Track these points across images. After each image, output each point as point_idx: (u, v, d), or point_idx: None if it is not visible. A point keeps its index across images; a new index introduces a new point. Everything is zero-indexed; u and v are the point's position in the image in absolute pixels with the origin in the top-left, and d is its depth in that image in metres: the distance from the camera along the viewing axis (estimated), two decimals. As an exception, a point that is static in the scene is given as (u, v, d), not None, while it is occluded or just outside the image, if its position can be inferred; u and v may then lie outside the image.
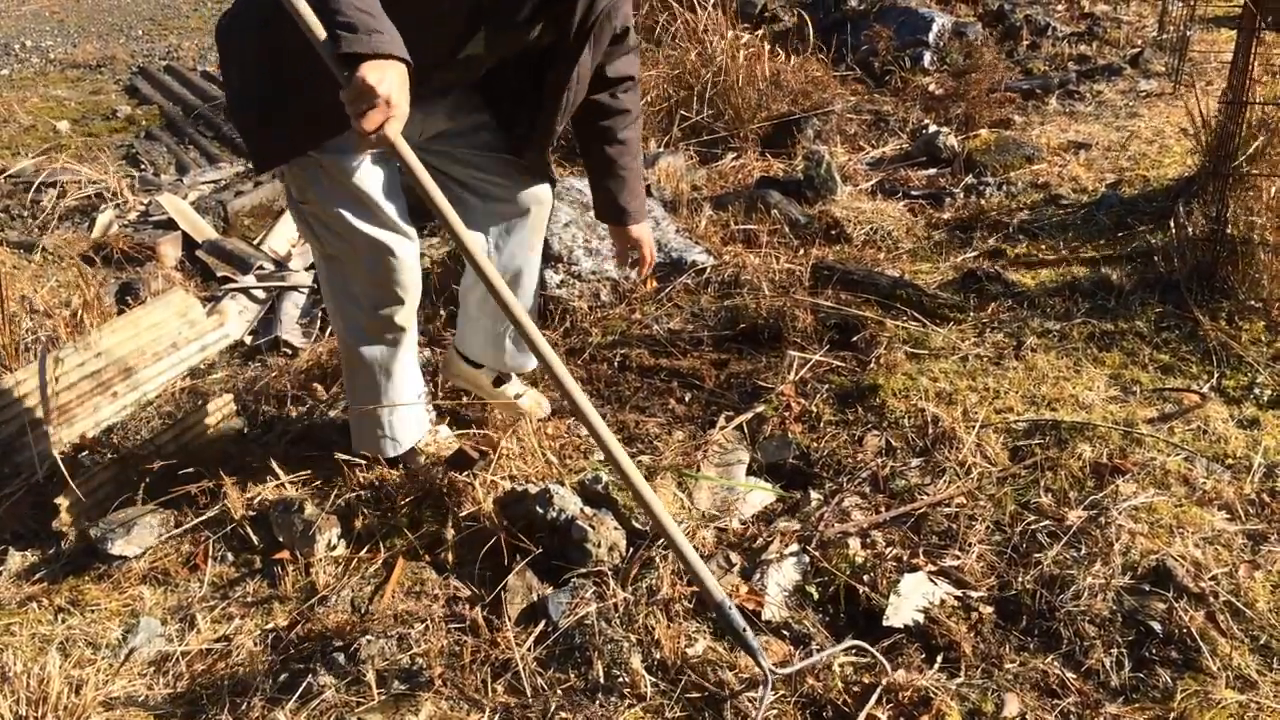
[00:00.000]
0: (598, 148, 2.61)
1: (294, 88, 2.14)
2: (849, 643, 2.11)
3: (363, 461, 2.69)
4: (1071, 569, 2.23)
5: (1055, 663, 2.08)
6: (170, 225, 4.55)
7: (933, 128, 4.96)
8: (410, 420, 2.65)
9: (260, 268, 4.24)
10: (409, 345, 2.57)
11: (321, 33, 1.88)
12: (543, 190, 2.65)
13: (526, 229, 2.65)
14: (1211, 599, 2.15)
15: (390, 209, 2.34)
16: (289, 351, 3.61)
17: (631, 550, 2.36)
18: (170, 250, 4.39)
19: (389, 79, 1.83)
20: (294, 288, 4.06)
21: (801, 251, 3.78)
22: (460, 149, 2.52)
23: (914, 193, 4.41)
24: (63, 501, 2.71)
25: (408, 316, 2.49)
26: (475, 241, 2.00)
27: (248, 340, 3.75)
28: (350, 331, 2.51)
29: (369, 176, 2.30)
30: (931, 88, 5.66)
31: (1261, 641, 2.08)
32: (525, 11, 2.21)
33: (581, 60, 2.32)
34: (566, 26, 2.26)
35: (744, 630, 1.97)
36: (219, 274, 4.24)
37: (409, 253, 2.39)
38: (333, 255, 2.41)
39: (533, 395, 2.97)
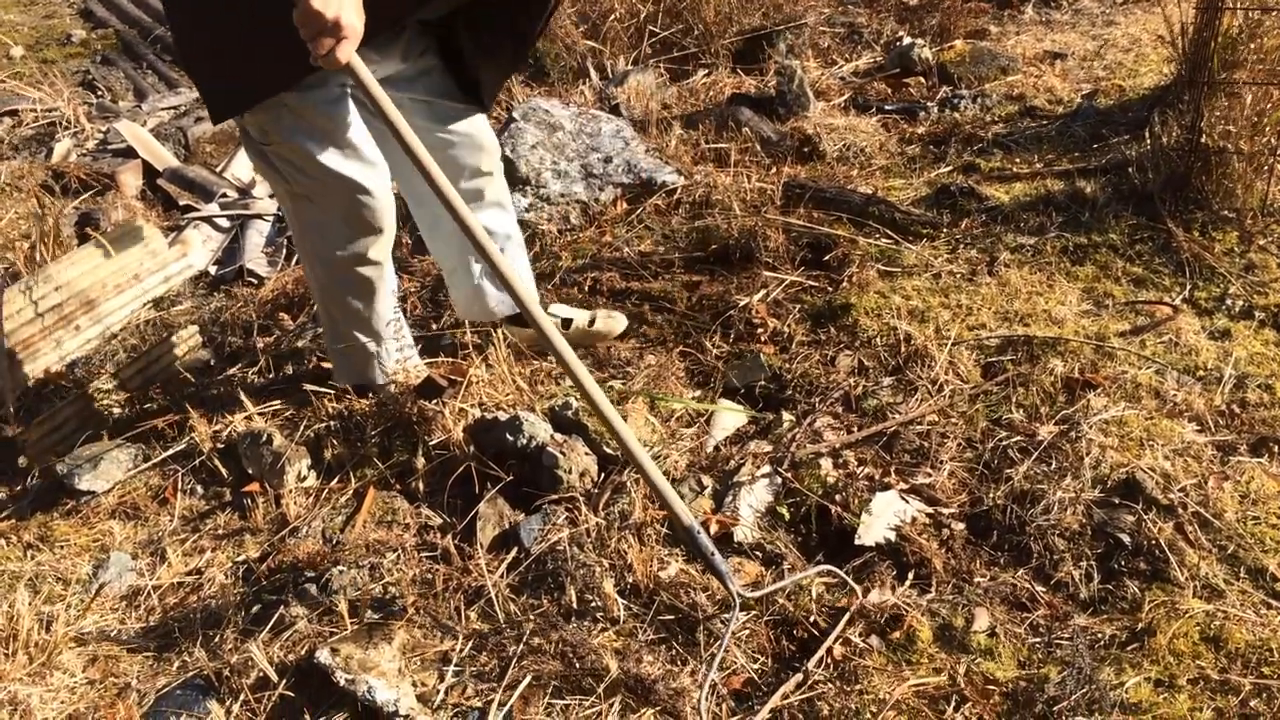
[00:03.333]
0: None
1: (250, 30, 2.05)
2: (819, 567, 2.12)
3: (331, 391, 2.67)
4: (1042, 484, 2.24)
5: (1025, 576, 2.09)
6: (130, 153, 4.44)
7: (907, 40, 4.87)
8: (392, 348, 2.65)
9: (224, 195, 4.15)
10: (386, 275, 2.54)
11: None
12: (489, 140, 2.59)
13: (480, 181, 2.60)
14: (1180, 510, 2.16)
15: (358, 141, 2.29)
16: (254, 281, 3.55)
17: (603, 475, 2.35)
18: (130, 179, 4.29)
19: (336, 1, 1.79)
20: (258, 216, 3.98)
21: (773, 170, 3.72)
22: (410, 95, 2.42)
23: (888, 107, 4.34)
24: (28, 437, 2.68)
25: (384, 248, 2.46)
26: (436, 165, 1.95)
27: (212, 270, 3.69)
28: (325, 269, 2.47)
29: (334, 111, 2.23)
30: (906, -2, 5.54)
31: (1229, 551, 2.09)
32: None
33: None
34: None
35: (712, 554, 1.96)
36: (181, 203, 4.14)
37: (381, 185, 2.35)
38: (301, 194, 2.34)
39: (602, 315, 2.91)
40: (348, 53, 1.84)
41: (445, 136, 2.50)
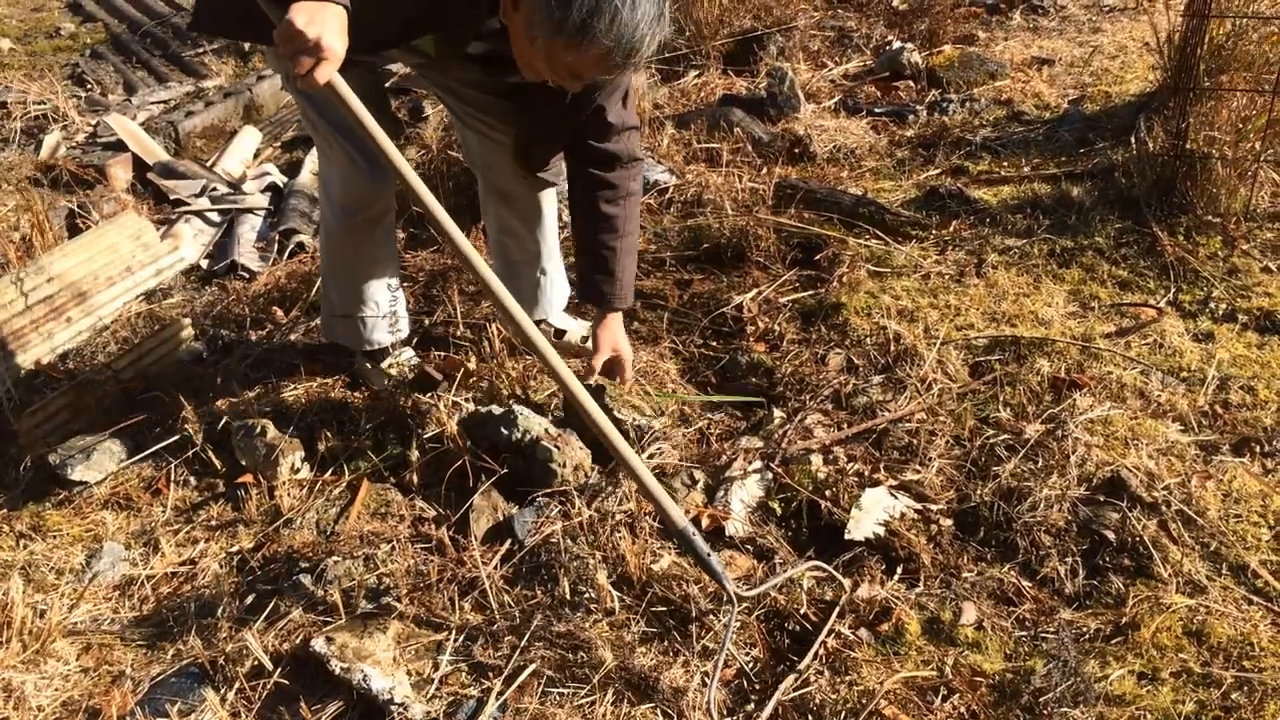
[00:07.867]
0: (581, 218, 2.52)
1: None
2: (809, 563, 2.14)
3: (325, 384, 2.68)
4: (1029, 481, 2.27)
5: (1012, 572, 2.12)
6: (120, 147, 4.43)
7: (896, 44, 4.91)
8: (381, 322, 2.68)
9: (214, 190, 4.15)
10: (371, 248, 2.60)
11: None
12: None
13: (516, 177, 2.61)
14: (1164, 508, 2.20)
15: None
16: (246, 275, 3.55)
17: (596, 470, 2.37)
18: (120, 172, 4.28)
19: (319, 21, 1.78)
20: (249, 210, 3.98)
21: (764, 170, 3.75)
22: (451, 80, 2.47)
23: (877, 110, 4.37)
24: (20, 428, 2.68)
25: (371, 223, 2.53)
26: (424, 186, 1.96)
27: (204, 264, 3.69)
28: (323, 220, 2.60)
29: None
30: (895, 3, 5.58)
31: (1211, 548, 2.13)
32: (473, 47, 2.20)
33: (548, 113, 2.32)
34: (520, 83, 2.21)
35: (708, 555, 1.97)
36: (171, 197, 4.14)
37: (375, 164, 2.38)
38: (319, 144, 2.46)
39: (573, 327, 2.93)
40: (327, 74, 1.82)
41: (483, 127, 2.56)
